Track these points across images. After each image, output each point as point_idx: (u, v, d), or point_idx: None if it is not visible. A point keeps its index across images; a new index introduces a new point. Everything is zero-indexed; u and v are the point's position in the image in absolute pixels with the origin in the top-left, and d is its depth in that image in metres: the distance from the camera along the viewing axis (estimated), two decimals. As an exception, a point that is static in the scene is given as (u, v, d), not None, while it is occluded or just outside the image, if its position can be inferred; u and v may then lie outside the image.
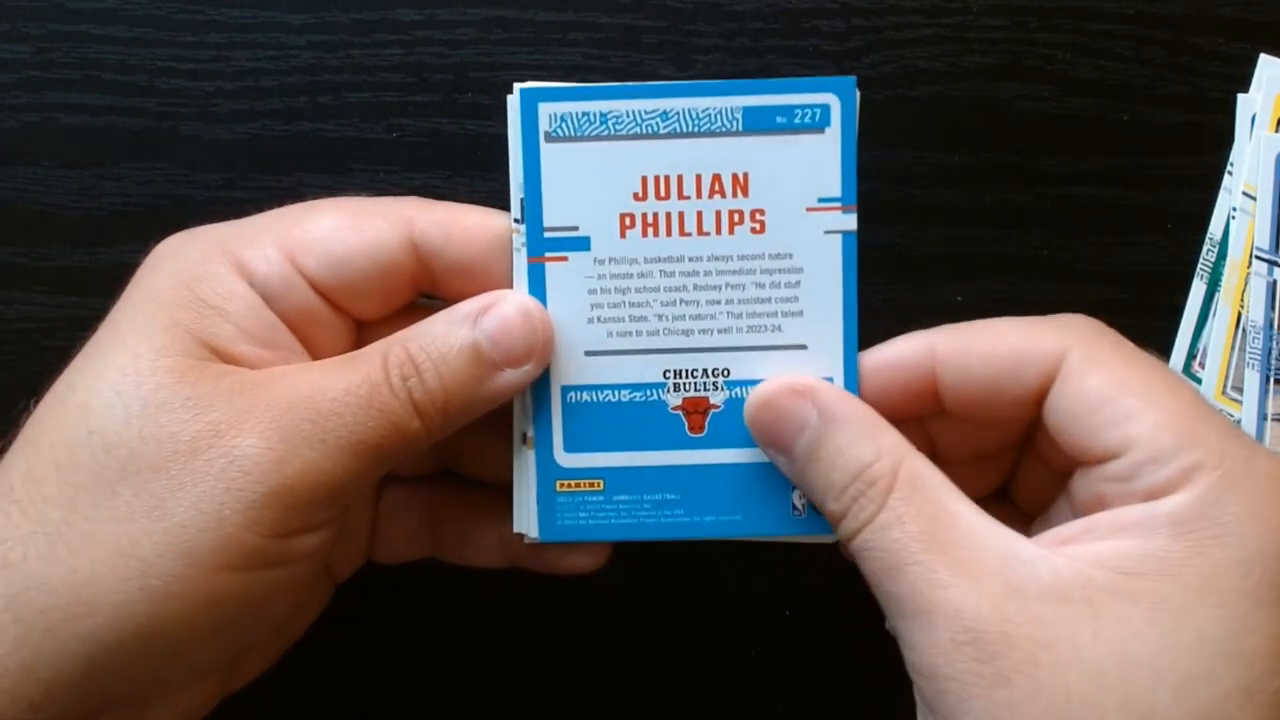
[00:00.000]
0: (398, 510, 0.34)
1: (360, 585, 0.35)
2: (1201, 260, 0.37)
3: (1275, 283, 0.36)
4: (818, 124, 0.30)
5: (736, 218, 0.30)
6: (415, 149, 0.36)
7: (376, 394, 0.28)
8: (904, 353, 0.30)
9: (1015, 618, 0.25)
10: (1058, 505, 0.31)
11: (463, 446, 0.34)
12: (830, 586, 0.37)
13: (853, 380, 0.31)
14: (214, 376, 0.28)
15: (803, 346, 0.31)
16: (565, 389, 0.31)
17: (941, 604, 0.26)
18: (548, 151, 0.30)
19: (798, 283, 0.30)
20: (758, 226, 0.30)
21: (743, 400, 0.31)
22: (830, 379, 0.30)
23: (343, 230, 0.30)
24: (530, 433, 0.31)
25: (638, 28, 0.36)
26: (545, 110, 0.30)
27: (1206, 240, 0.37)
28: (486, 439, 0.33)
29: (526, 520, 0.31)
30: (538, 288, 0.30)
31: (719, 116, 0.30)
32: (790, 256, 0.30)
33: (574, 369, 0.31)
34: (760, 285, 0.30)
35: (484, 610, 0.37)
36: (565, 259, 0.30)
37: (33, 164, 0.36)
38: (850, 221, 0.30)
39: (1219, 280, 0.36)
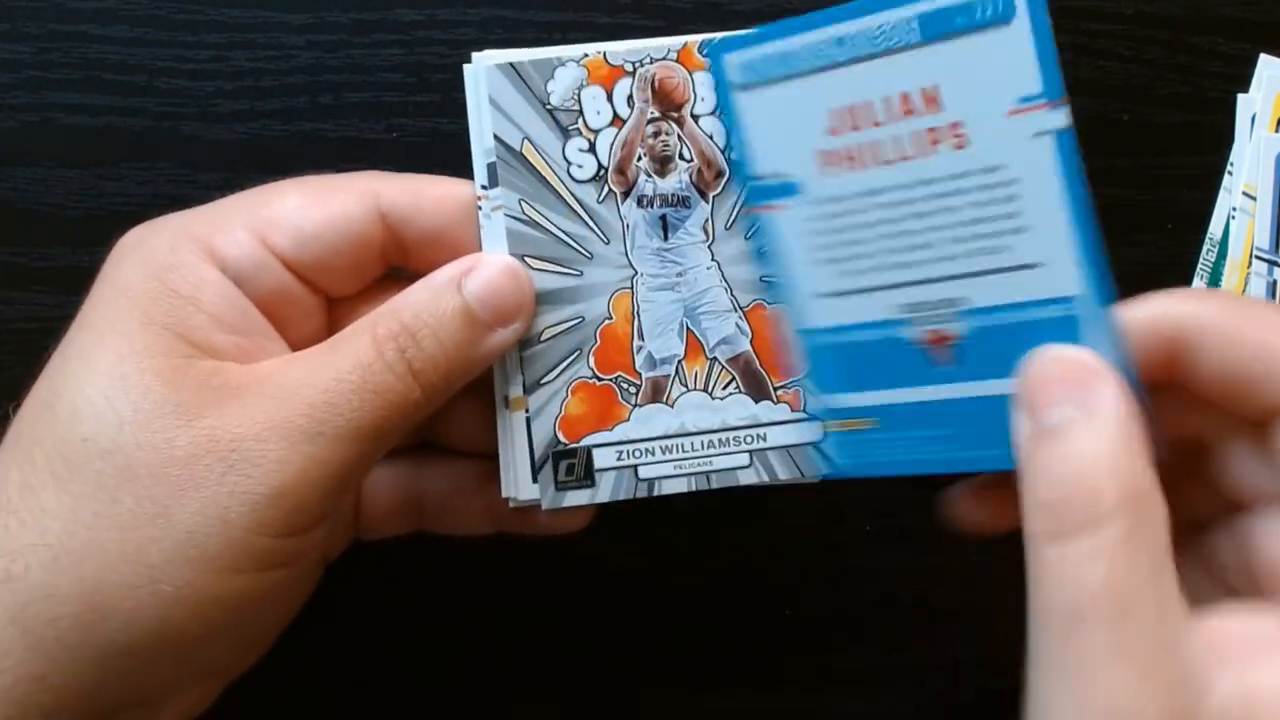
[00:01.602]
0: (380, 488, 0.34)
1: (341, 559, 0.35)
2: (1202, 260, 0.37)
3: (1275, 282, 0.36)
4: (1001, 16, 0.27)
5: (934, 136, 0.28)
6: (415, 149, 0.36)
7: (369, 375, 0.28)
8: (1166, 312, 0.27)
9: None
10: (1203, 554, 0.29)
11: (439, 417, 0.33)
12: (831, 586, 0.37)
13: (1104, 292, 0.27)
14: (200, 378, 0.27)
15: (1035, 265, 0.28)
16: (805, 333, 0.30)
17: (1108, 684, 0.22)
18: (742, 101, 0.30)
19: (1015, 195, 0.27)
20: (959, 141, 0.28)
21: (985, 330, 0.28)
22: (1074, 297, 0.27)
23: (310, 206, 0.30)
24: (513, 395, 0.31)
25: (638, 28, 0.36)
26: (732, 61, 0.29)
27: (1207, 240, 0.37)
28: (461, 408, 0.32)
29: (514, 484, 0.31)
30: (763, 237, 0.30)
31: (895, 31, 0.28)
32: (1002, 168, 0.27)
33: (809, 312, 0.30)
34: (977, 204, 0.28)
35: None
36: (781, 207, 0.30)
37: (33, 164, 0.36)
38: (1061, 118, 0.27)
39: (1219, 280, 0.36)
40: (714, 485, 0.31)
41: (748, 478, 0.31)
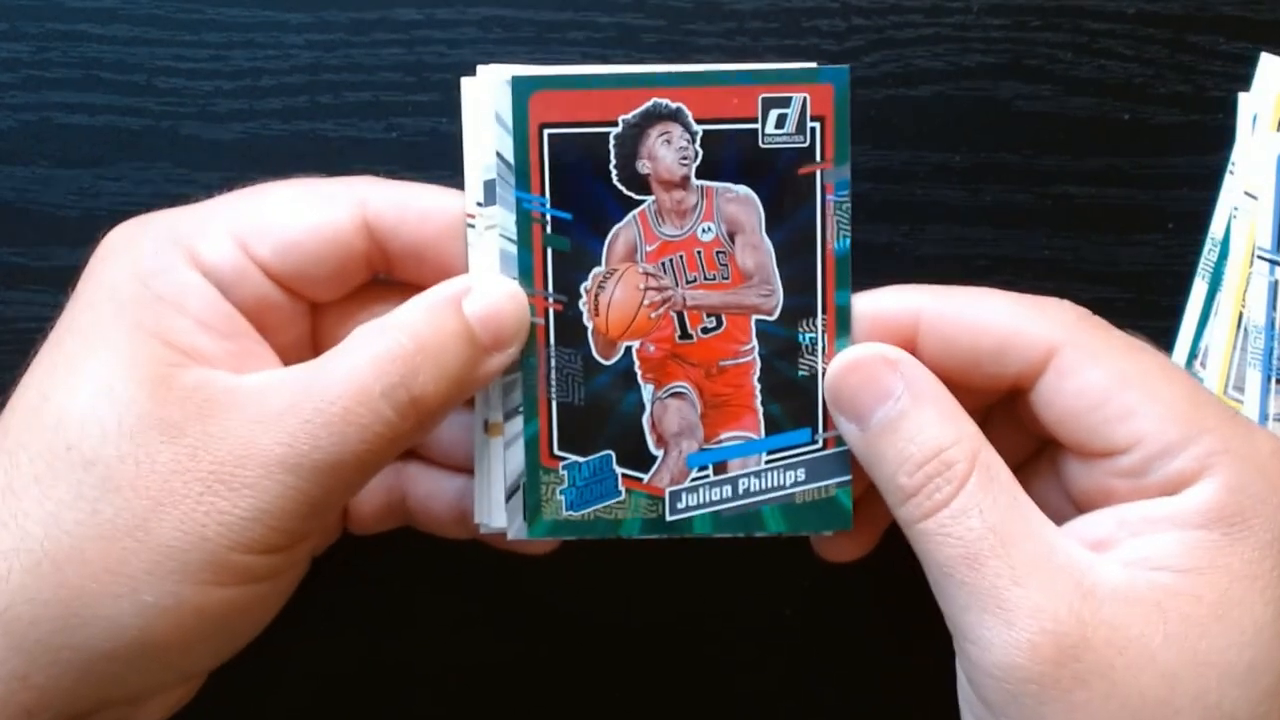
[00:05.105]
0: (367, 488, 0.34)
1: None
2: (1203, 260, 0.37)
3: (1277, 282, 0.36)
4: None
5: None
6: (415, 149, 0.36)
7: (357, 404, 0.27)
8: (890, 308, 0.30)
9: (1090, 620, 0.26)
10: (1041, 478, 0.31)
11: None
12: (830, 586, 0.37)
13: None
14: (185, 391, 0.27)
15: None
16: None
17: (1021, 602, 0.26)
18: None
19: None
20: None
21: None
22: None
23: (294, 214, 0.30)
24: (492, 420, 0.31)
25: (637, 27, 0.36)
26: None
27: (1208, 240, 0.37)
28: (442, 426, 0.32)
29: (487, 510, 0.31)
30: None
31: None
32: None
33: None
34: None
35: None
36: None
37: (33, 164, 0.36)
38: None
39: (1221, 280, 0.36)
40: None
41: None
